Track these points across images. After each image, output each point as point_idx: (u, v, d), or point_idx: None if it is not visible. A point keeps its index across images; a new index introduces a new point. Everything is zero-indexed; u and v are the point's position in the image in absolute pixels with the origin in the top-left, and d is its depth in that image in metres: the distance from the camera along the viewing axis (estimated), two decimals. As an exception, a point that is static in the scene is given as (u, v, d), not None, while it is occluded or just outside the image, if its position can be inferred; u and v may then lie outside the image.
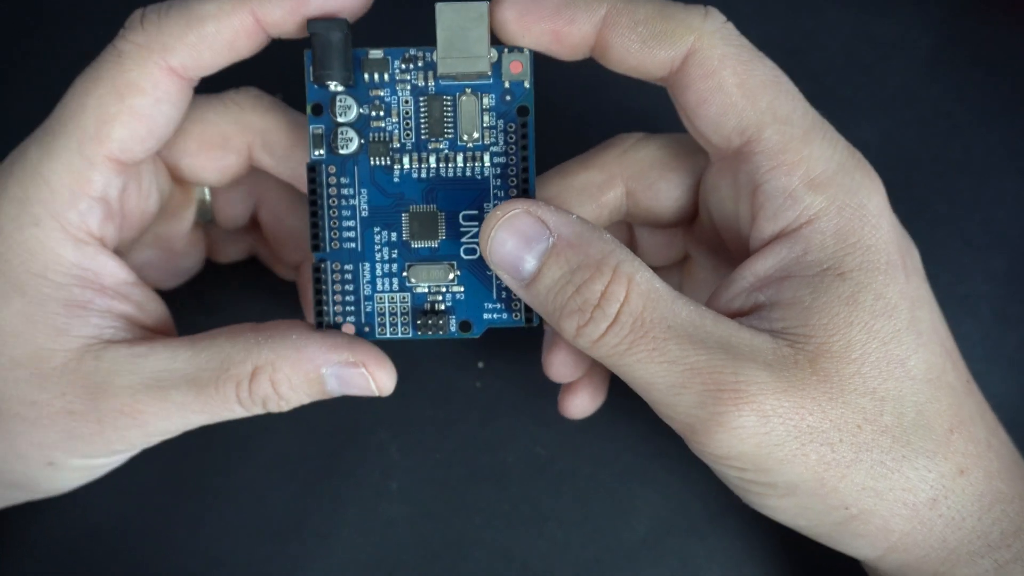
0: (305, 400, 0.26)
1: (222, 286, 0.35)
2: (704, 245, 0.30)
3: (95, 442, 0.26)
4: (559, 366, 0.29)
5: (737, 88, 0.25)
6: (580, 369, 0.29)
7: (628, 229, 0.32)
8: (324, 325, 0.27)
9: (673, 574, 0.33)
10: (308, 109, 0.27)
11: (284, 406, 0.26)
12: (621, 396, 0.32)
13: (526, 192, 0.27)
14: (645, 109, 0.34)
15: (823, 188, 0.25)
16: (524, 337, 0.34)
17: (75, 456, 0.27)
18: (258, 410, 0.26)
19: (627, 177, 0.29)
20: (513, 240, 0.25)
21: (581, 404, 0.30)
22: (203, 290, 0.34)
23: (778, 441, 0.24)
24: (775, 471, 0.24)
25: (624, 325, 0.24)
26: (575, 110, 0.34)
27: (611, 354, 0.24)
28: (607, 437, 0.34)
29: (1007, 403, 0.33)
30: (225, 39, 0.26)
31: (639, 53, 0.25)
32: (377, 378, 0.26)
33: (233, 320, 0.27)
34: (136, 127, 0.26)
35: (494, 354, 0.34)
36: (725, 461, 0.25)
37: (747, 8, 0.35)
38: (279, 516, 0.34)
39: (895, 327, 0.25)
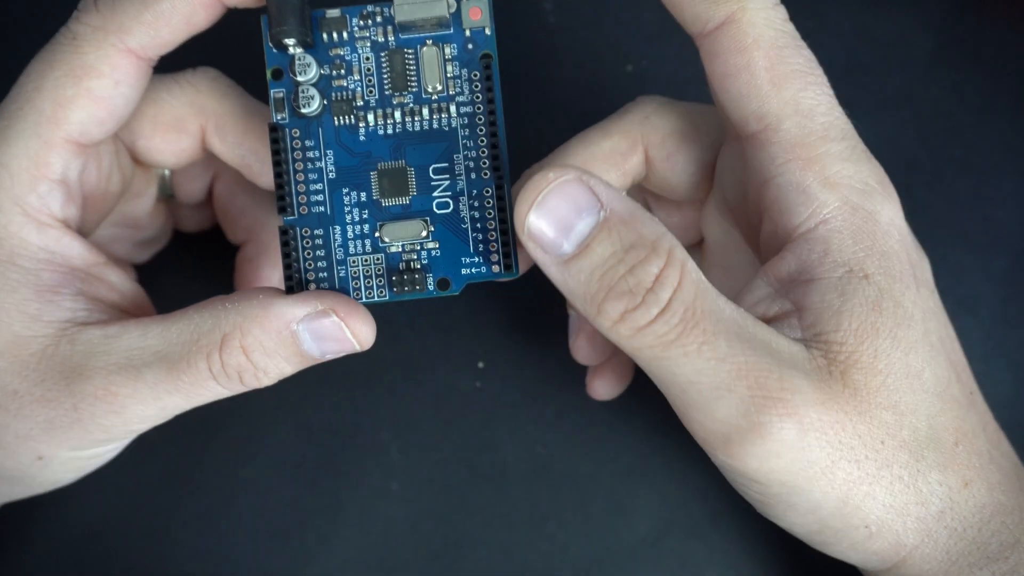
0: (285, 368, 0.25)
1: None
2: (716, 228, 0.29)
3: (74, 431, 0.26)
4: (587, 349, 0.28)
5: (765, 71, 0.24)
6: (609, 351, 0.28)
7: (646, 206, 0.31)
8: (294, 290, 0.26)
9: (673, 574, 0.33)
10: (268, 74, 0.26)
11: (263, 378, 0.25)
12: (621, 396, 0.32)
13: (495, 138, 0.26)
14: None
15: (837, 188, 0.24)
16: (524, 337, 0.34)
17: (60, 448, 0.26)
18: (236, 385, 0.25)
19: (647, 143, 0.28)
20: (564, 206, 0.23)
21: (608, 386, 0.30)
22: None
23: (811, 457, 0.23)
24: (801, 488, 0.24)
25: (676, 313, 0.22)
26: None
27: (655, 344, 0.23)
28: (607, 437, 0.34)
29: (1007, 403, 0.33)
30: (182, 14, 0.25)
31: None
32: (352, 327, 0.25)
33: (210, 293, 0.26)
34: (94, 109, 0.26)
35: (494, 354, 0.34)
36: (754, 475, 0.24)
37: (747, 8, 0.35)
38: (279, 516, 0.34)
39: (913, 337, 0.24)
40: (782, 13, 0.25)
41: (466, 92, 0.26)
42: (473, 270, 0.26)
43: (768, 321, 0.25)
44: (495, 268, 0.26)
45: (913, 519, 0.24)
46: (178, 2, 0.25)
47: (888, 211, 0.25)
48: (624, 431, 0.34)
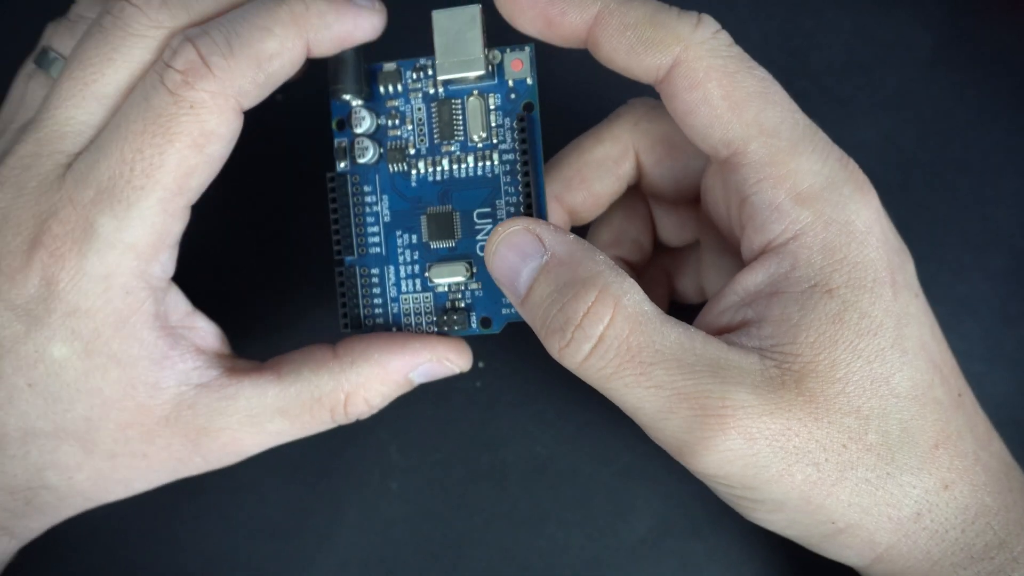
0: (394, 397, 0.28)
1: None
2: (710, 230, 0.30)
3: (199, 470, 0.28)
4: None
5: (723, 100, 0.25)
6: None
7: (646, 206, 0.32)
8: (350, 327, 0.28)
9: (673, 574, 0.33)
10: (333, 124, 0.28)
11: (372, 412, 0.28)
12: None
13: (536, 185, 0.27)
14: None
15: (810, 202, 0.25)
16: (524, 337, 0.34)
17: (175, 477, 0.29)
18: (348, 422, 0.28)
19: (639, 148, 0.29)
20: (512, 255, 0.25)
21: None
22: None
23: (765, 462, 0.24)
24: (762, 489, 0.25)
25: (609, 349, 0.24)
26: (579, 107, 0.34)
27: (597, 377, 0.24)
28: (607, 437, 0.34)
29: (1007, 403, 0.33)
30: (286, 72, 0.26)
31: (626, 56, 0.25)
32: (456, 362, 0.28)
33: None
34: (213, 170, 0.26)
35: (494, 354, 0.34)
36: (714, 480, 0.25)
37: (747, 8, 0.35)
38: (279, 516, 0.34)
39: (879, 345, 0.25)
40: (725, 39, 0.25)
41: (508, 140, 0.27)
42: (513, 310, 0.27)
43: (731, 329, 0.26)
44: None
45: (885, 519, 0.25)
46: (285, 62, 0.26)
47: (865, 216, 0.25)
48: (624, 431, 0.34)
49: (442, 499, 0.33)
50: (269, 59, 0.25)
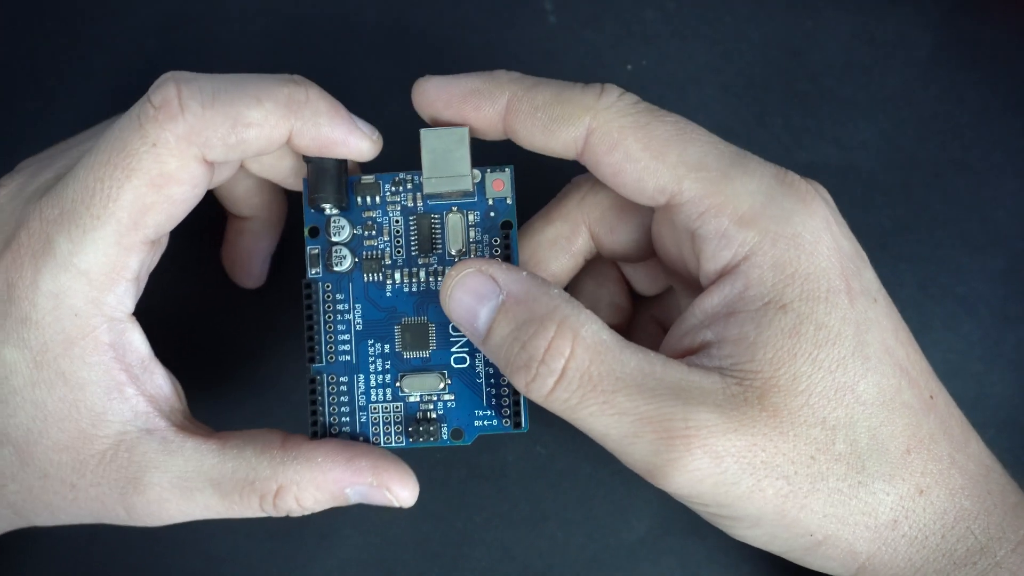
0: (325, 507, 0.27)
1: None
2: (675, 277, 0.30)
3: (122, 522, 0.28)
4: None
5: (643, 152, 0.26)
6: None
7: (614, 267, 0.32)
8: (319, 435, 0.28)
9: (672, 574, 0.33)
10: (305, 231, 0.28)
11: (303, 513, 0.27)
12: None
13: None
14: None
15: (753, 223, 0.25)
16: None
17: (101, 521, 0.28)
18: (278, 514, 0.27)
19: (589, 223, 0.29)
20: (468, 298, 0.25)
21: None
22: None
23: (734, 479, 0.24)
24: (736, 506, 0.25)
25: (572, 380, 0.24)
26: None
27: (563, 409, 0.25)
28: (607, 437, 0.34)
29: (1007, 403, 0.33)
30: (260, 146, 0.26)
31: (543, 136, 0.26)
32: (398, 495, 0.27)
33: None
34: (172, 212, 0.26)
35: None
36: (688, 500, 0.25)
37: (747, 8, 0.35)
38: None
39: (840, 354, 0.25)
40: (630, 99, 0.26)
41: (487, 256, 0.28)
42: (485, 423, 0.28)
43: (692, 352, 0.26)
44: (506, 423, 0.28)
45: (862, 528, 0.25)
46: (262, 135, 0.26)
47: (812, 226, 0.25)
48: (624, 431, 0.34)
49: (442, 499, 0.33)
50: (247, 126, 0.25)
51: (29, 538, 0.33)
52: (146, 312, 0.27)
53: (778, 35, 0.35)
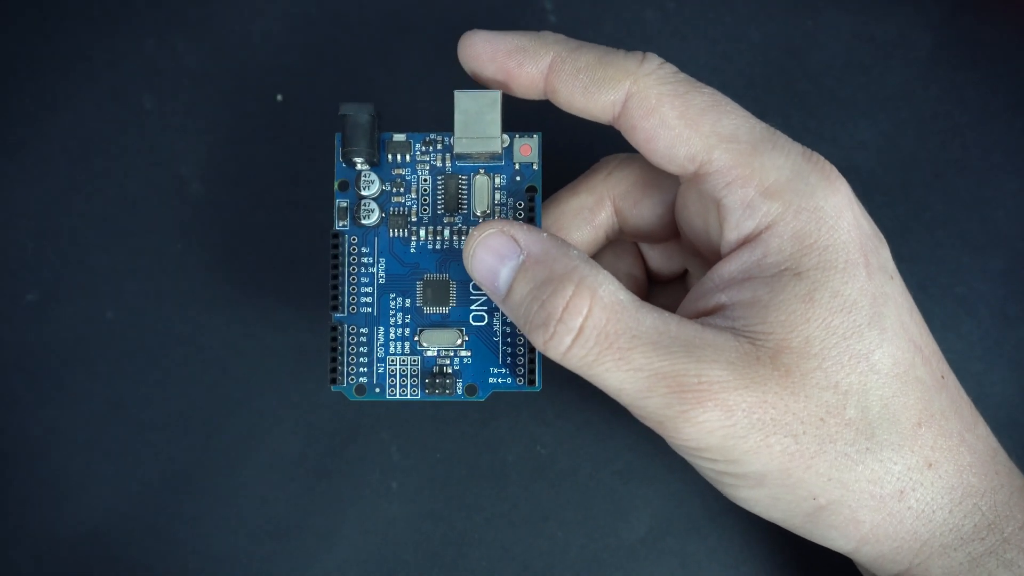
0: None
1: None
2: (694, 257, 0.31)
3: None
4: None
5: (679, 119, 0.26)
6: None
7: (634, 246, 0.33)
8: (337, 383, 0.28)
9: (673, 573, 0.33)
10: (335, 185, 0.29)
11: None
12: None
13: None
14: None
15: (778, 195, 0.26)
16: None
17: None
18: None
19: (614, 197, 0.30)
20: (489, 257, 0.26)
21: None
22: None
23: (742, 433, 0.25)
24: (742, 461, 0.25)
25: (589, 338, 0.25)
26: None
27: (580, 365, 0.25)
28: (607, 437, 0.34)
29: (1007, 403, 0.33)
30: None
31: (583, 97, 0.27)
32: None
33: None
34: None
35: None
36: (696, 452, 0.26)
37: (747, 8, 0.35)
38: (279, 516, 0.34)
39: (855, 322, 0.25)
40: (671, 68, 0.27)
41: (510, 218, 0.28)
42: (500, 380, 0.28)
43: (707, 313, 0.27)
44: (520, 381, 0.28)
45: (867, 496, 0.25)
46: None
47: (834, 202, 0.26)
48: (624, 431, 0.34)
49: (442, 499, 0.33)
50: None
51: (28, 538, 0.33)
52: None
53: (778, 35, 0.35)
